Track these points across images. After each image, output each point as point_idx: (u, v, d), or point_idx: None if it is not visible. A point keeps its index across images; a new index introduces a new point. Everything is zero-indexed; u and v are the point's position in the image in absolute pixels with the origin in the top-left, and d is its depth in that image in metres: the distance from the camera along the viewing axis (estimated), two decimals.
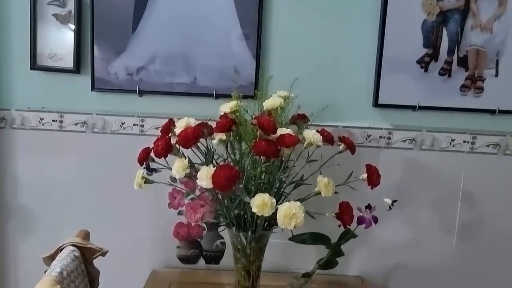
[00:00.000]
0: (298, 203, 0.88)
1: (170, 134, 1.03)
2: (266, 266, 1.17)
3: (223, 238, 1.47)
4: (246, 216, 1.02)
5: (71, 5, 1.36)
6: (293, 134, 0.92)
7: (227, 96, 1.28)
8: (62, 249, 0.97)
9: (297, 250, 1.37)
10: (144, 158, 1.07)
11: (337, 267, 1.31)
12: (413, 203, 1.42)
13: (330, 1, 1.35)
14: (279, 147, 0.90)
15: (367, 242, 1.43)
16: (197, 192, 1.21)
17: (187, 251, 1.48)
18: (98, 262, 1.13)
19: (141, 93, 1.39)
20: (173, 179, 1.28)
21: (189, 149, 0.98)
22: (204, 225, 1.45)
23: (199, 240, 1.47)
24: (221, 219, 1.11)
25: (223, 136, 1.08)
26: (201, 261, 1.48)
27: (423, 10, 1.33)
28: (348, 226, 0.98)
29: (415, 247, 1.44)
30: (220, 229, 1.17)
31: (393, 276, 1.46)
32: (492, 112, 1.37)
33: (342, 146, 1.09)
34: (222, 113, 1.04)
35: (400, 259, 1.45)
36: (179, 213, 1.43)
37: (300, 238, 1.07)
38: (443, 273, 1.45)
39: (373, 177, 1.01)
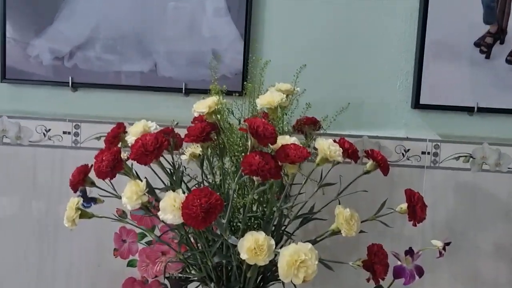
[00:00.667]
0: (310, 245, 0.87)
1: (119, 145, 1.01)
2: None
3: None
4: (230, 266, 1.01)
5: None
6: (300, 145, 0.91)
7: (203, 92, 1.29)
8: None
9: None
10: (79, 180, 1.06)
11: None
12: (471, 248, 1.42)
13: None
14: (280, 163, 0.89)
15: None
16: (157, 233, 1.20)
17: None
18: None
19: (76, 86, 1.39)
20: (122, 214, 1.26)
21: (147, 166, 0.97)
22: (167, 282, 1.43)
23: None
24: (193, 272, 1.09)
25: (197, 149, 1.08)
26: None
27: None
28: (381, 280, 0.97)
29: None
30: (191, 279, 1.15)
31: None
32: None
33: (369, 164, 1.09)
34: (196, 114, 1.03)
35: None
36: (130, 264, 1.41)
37: None
38: None
39: (417, 208, 1.00)
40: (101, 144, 1.35)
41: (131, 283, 1.42)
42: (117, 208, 1.24)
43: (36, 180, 1.41)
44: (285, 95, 1.06)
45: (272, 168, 0.87)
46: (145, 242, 1.39)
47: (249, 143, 0.91)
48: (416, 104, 1.39)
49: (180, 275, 1.34)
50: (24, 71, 1.38)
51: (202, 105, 1.01)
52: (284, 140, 0.94)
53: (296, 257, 0.85)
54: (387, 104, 1.41)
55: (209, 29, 1.38)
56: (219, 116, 1.02)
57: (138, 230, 1.37)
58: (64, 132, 1.41)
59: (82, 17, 1.37)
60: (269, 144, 0.92)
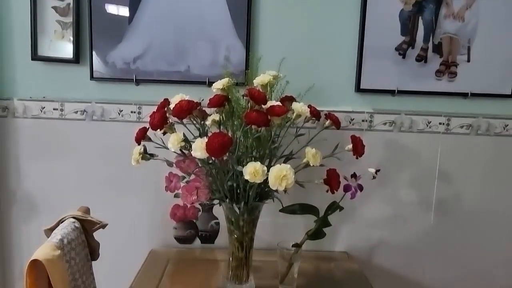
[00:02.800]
0: (289, 165, 0.86)
1: (166, 110, 1.00)
2: (258, 244, 1.15)
3: (217, 218, 1.44)
4: (239, 189, 1.00)
5: None
6: (282, 106, 0.90)
7: None
8: (63, 221, 0.94)
9: (287, 227, 1.35)
10: (141, 136, 1.05)
11: (324, 243, 1.30)
12: (393, 182, 1.41)
13: None
14: (269, 117, 0.88)
15: (352, 219, 1.42)
16: (192, 177, 1.19)
17: (184, 231, 1.45)
18: (100, 238, 1.10)
19: (138, 81, 1.37)
20: (170, 164, 1.25)
21: (183, 124, 0.95)
22: (199, 206, 1.42)
23: (194, 221, 1.44)
24: (216, 194, 1.08)
25: (216, 116, 1.06)
26: (197, 241, 1.45)
27: (401, 0, 1.33)
28: (335, 191, 0.96)
29: (396, 223, 1.43)
30: (214, 203, 1.14)
31: (376, 251, 1.45)
32: (465, 95, 1.38)
33: (328, 122, 1.07)
34: (214, 91, 1.02)
35: (382, 235, 1.44)
36: (176, 195, 1.39)
37: (290, 209, 1.05)
38: (422, 247, 1.44)
39: (358, 147, 0.99)
40: None
41: (177, 208, 1.40)
42: (166, 161, 1.22)
43: (114, 143, 1.39)
44: (272, 77, 1.04)
45: (264, 119, 0.86)
46: (185, 182, 1.37)
47: (249, 105, 0.90)
48: (358, 88, 1.37)
49: (207, 202, 1.34)
50: (105, 71, 1.36)
51: (218, 84, 0.99)
52: (271, 103, 0.92)
53: (280, 172, 0.84)
54: (339, 89, 1.39)
55: (223, 41, 1.35)
56: (229, 91, 1.00)
57: (180, 174, 1.35)
58: (132, 112, 1.39)
59: (141, 36, 1.35)
60: (262, 105, 0.90)
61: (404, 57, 1.35)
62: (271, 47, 1.36)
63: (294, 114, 0.95)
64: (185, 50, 1.35)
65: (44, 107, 1.39)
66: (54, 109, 1.39)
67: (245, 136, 0.96)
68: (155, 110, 0.98)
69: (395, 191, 1.42)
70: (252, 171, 0.85)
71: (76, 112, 1.39)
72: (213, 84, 1.01)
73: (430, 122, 1.40)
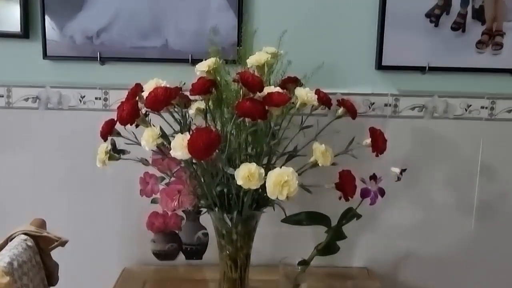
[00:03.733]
0: (291, 169, 0.86)
1: (137, 99, 1.00)
2: (256, 259, 1.16)
3: (205, 228, 1.45)
4: (230, 194, 1.00)
5: None
6: (283, 93, 0.90)
7: None
8: (13, 238, 0.94)
9: (291, 239, 1.35)
10: (107, 131, 1.05)
11: (339, 258, 1.31)
12: (424, 180, 1.41)
13: None
14: (266, 107, 0.88)
15: (373, 227, 1.43)
16: (173, 178, 1.19)
17: (164, 245, 1.46)
18: (58, 257, 1.11)
19: (103, 60, 1.36)
20: (144, 162, 1.25)
21: (160, 115, 0.95)
22: (182, 214, 1.43)
23: (177, 232, 1.45)
24: (202, 201, 1.09)
25: (201, 104, 1.06)
26: (181, 256, 1.46)
27: None
28: (350, 198, 0.97)
29: (427, 230, 1.44)
30: (201, 211, 1.15)
31: (404, 266, 1.46)
32: None
33: (341, 110, 1.07)
34: (198, 74, 1.01)
35: (410, 246, 1.45)
36: (153, 201, 1.41)
37: (295, 219, 1.06)
38: (460, 259, 1.45)
39: (379, 142, 1.00)
40: None
41: (155, 216, 1.42)
42: (141, 158, 1.23)
43: (75, 137, 1.39)
44: (270, 56, 1.03)
45: (259, 110, 0.86)
46: (164, 184, 1.38)
47: (241, 92, 0.90)
48: (379, 65, 1.36)
49: (192, 208, 1.35)
50: (61, 47, 1.35)
51: (203, 65, 0.99)
52: (269, 89, 0.92)
53: (280, 178, 0.84)
54: (355, 66, 1.38)
55: (209, 7, 1.34)
56: (217, 74, 1.00)
57: (158, 174, 1.36)
58: (96, 98, 1.39)
59: (106, 1, 1.34)
60: (258, 92, 0.90)
61: (436, 25, 1.34)
62: (269, 15, 1.35)
63: (298, 103, 0.95)
64: (162, 20, 1.34)
65: None
66: None
67: (237, 130, 0.95)
68: (123, 100, 0.97)
69: (426, 191, 1.42)
70: (246, 174, 0.86)
71: (26, 100, 1.39)
72: (197, 65, 1.01)
73: (470, 106, 1.40)
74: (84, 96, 1.39)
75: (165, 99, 0.89)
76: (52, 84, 1.39)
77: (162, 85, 0.97)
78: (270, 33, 1.19)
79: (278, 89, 0.92)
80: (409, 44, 1.35)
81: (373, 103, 1.40)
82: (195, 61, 1.33)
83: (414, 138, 1.41)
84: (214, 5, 1.34)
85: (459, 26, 1.35)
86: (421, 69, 1.37)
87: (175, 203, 1.39)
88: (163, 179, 1.39)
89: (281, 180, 0.83)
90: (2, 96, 1.39)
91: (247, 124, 0.90)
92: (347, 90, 1.38)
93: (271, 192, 0.84)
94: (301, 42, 1.32)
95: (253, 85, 0.87)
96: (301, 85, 1.18)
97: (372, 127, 1.03)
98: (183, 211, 1.42)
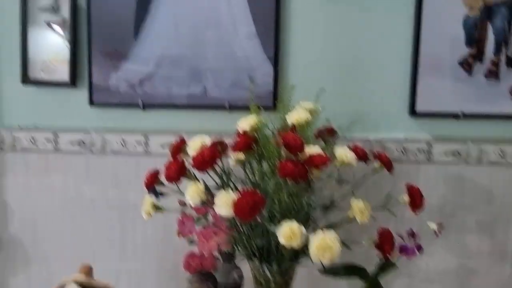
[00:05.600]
0: (333, 233, 0.88)
1: (181, 154, 1.04)
2: None
3: (240, 269, 1.47)
4: (270, 246, 1.03)
5: (65, 11, 1.40)
6: (323, 154, 0.93)
7: (242, 108, 1.33)
8: (63, 287, 0.99)
9: (327, 284, 1.36)
10: (152, 182, 1.09)
11: None
12: (459, 227, 1.41)
13: None
14: (307, 168, 0.91)
15: (408, 273, 1.42)
16: (211, 218, 1.22)
17: (200, 285, 1.48)
18: None
19: (145, 106, 1.42)
20: (182, 203, 1.29)
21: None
22: (219, 255, 1.45)
23: (213, 272, 1.48)
24: (240, 249, 1.12)
25: (241, 155, 1.10)
26: None
27: (464, 4, 1.34)
28: (389, 256, 0.98)
29: (462, 277, 1.43)
30: (238, 260, 1.18)
31: None
32: None
33: (377, 163, 1.09)
34: (240, 130, 1.05)
35: None
36: (190, 242, 1.44)
37: (333, 271, 1.07)
38: None
39: (416, 200, 1.01)
40: (166, 151, 1.40)
41: (192, 256, 1.44)
42: (178, 199, 1.27)
43: (117, 181, 1.45)
44: (309, 113, 1.07)
45: (301, 172, 0.89)
46: (202, 226, 1.41)
47: (282, 152, 0.93)
48: (412, 111, 1.38)
49: (229, 251, 1.37)
50: (106, 95, 1.42)
51: (245, 123, 1.03)
52: (310, 149, 0.95)
53: (323, 244, 0.86)
54: (389, 112, 1.40)
55: (246, 58, 1.39)
56: (258, 132, 1.03)
57: (195, 215, 1.39)
58: (137, 142, 1.45)
59: (149, 53, 1.41)
60: (299, 153, 0.93)
61: (470, 73, 1.36)
62: (304, 64, 1.40)
63: (338, 163, 0.98)
64: (201, 69, 1.40)
65: (35, 138, 1.46)
66: (46, 139, 1.46)
67: (278, 189, 0.98)
68: (170, 160, 1.02)
69: (461, 238, 1.42)
70: (288, 233, 0.88)
71: (72, 144, 1.46)
72: (238, 123, 1.05)
73: (505, 152, 1.40)
74: (125, 141, 1.45)
75: (211, 160, 0.93)
76: (96, 129, 1.45)
77: (206, 142, 1.01)
78: (305, 84, 1.23)
79: (317, 149, 0.95)
80: (442, 91, 1.37)
81: (407, 149, 1.41)
82: (232, 108, 1.39)
83: (448, 185, 1.41)
84: (252, 55, 1.39)
85: (492, 73, 1.36)
86: (455, 115, 1.38)
87: (212, 245, 1.42)
88: (200, 220, 1.42)
89: (324, 246, 0.86)
90: (50, 141, 1.46)
91: (289, 185, 0.93)
92: (380, 136, 1.40)
93: (314, 256, 0.87)
94: (334, 88, 1.36)
95: (295, 147, 0.90)
96: (336, 135, 1.22)
97: (409, 183, 1.04)
98: (219, 252, 1.44)
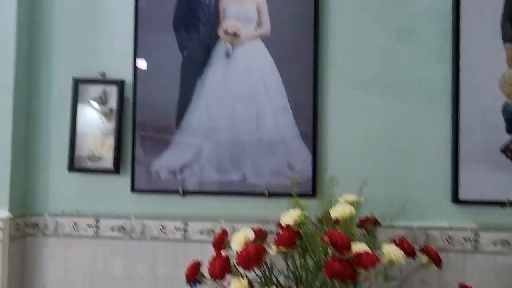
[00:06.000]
0: None
1: (224, 247, 1.03)
2: None
3: None
4: None
5: (112, 102, 1.48)
6: (371, 253, 0.90)
7: (281, 195, 1.34)
8: None
9: None
10: (193, 274, 1.08)
11: None
12: None
13: (393, 85, 1.40)
14: (355, 268, 0.89)
15: None
16: None
17: None
18: None
19: (185, 193, 1.44)
20: None
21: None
22: None
23: None
24: None
25: (283, 248, 1.09)
26: None
27: (503, 92, 1.35)
28: None
29: None
30: None
31: None
32: None
33: (424, 259, 1.06)
34: (283, 224, 1.05)
35: None
36: None
37: None
38: None
39: None
40: (205, 237, 1.40)
41: None
42: None
43: (156, 267, 1.44)
44: (352, 205, 1.06)
45: (349, 273, 0.86)
46: None
47: (329, 250, 0.91)
48: (456, 199, 1.35)
49: None
50: (147, 182, 1.45)
51: (288, 218, 1.02)
52: (356, 247, 0.93)
53: None
54: (431, 200, 1.38)
55: (285, 145, 1.42)
56: (301, 225, 1.02)
57: None
58: (176, 228, 1.45)
59: (190, 141, 1.45)
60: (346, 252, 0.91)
61: None
62: (343, 152, 1.41)
63: (386, 261, 0.95)
64: (241, 156, 1.43)
65: (77, 224, 1.48)
66: (88, 225, 1.48)
67: (324, 286, 0.96)
68: (214, 256, 1.01)
69: None
70: None
71: (113, 229, 1.48)
72: (282, 217, 1.05)
73: None
74: (165, 227, 1.46)
75: (256, 258, 0.92)
76: (136, 215, 1.47)
77: (249, 236, 1.01)
78: (345, 172, 1.23)
79: (364, 246, 0.93)
80: (485, 178, 1.34)
81: (452, 237, 1.36)
82: (271, 195, 1.40)
83: (497, 276, 1.34)
84: (290, 143, 1.41)
85: None
86: (501, 204, 1.34)
87: None
88: None
89: None
90: (91, 226, 1.48)
91: (335, 283, 0.90)
92: (423, 224, 1.36)
93: None
94: (374, 176, 1.36)
95: (342, 246, 0.89)
96: (379, 225, 1.19)
97: (462, 283, 0.99)
98: None
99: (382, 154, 1.39)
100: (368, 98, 1.40)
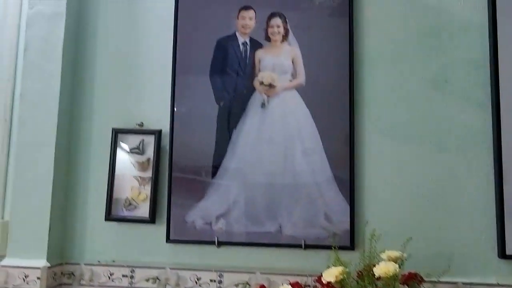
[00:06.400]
0: None
1: None
2: None
3: None
4: None
5: (150, 152, 1.50)
6: None
7: (318, 247, 1.30)
8: None
9: None
10: None
11: None
12: None
13: (431, 134, 1.38)
14: None
15: None
16: None
17: None
18: None
19: (220, 244, 1.43)
20: None
21: None
22: None
23: None
24: None
25: None
26: None
27: None
28: None
29: None
30: None
31: None
32: None
33: None
34: (323, 280, 1.02)
35: None
36: None
37: None
38: None
39: None
40: None
41: None
42: None
43: None
44: (396, 262, 1.02)
45: None
46: None
47: None
48: (503, 254, 1.29)
49: None
50: (183, 232, 1.45)
51: (329, 275, 0.99)
52: None
53: None
54: (476, 255, 1.33)
55: (321, 196, 1.40)
56: (343, 282, 0.99)
57: None
58: (211, 280, 1.43)
59: (225, 191, 1.45)
60: None
61: None
62: (381, 205, 1.38)
63: None
64: (277, 207, 1.42)
65: (112, 274, 1.48)
66: (123, 275, 1.48)
67: None
68: None
69: None
70: None
71: (147, 280, 1.46)
72: (323, 274, 1.02)
73: None
74: (200, 278, 1.44)
75: None
76: (171, 265, 1.46)
77: None
78: (384, 225, 1.19)
79: None
80: None
81: None
82: (307, 247, 1.37)
83: None
84: (327, 193, 1.39)
85: None
86: None
87: None
88: None
89: None
90: (126, 276, 1.48)
91: None
92: (469, 280, 1.31)
93: None
94: (417, 229, 1.32)
95: None
96: (423, 281, 1.15)
97: None
98: None
99: (423, 205, 1.36)
100: (406, 147, 1.38)
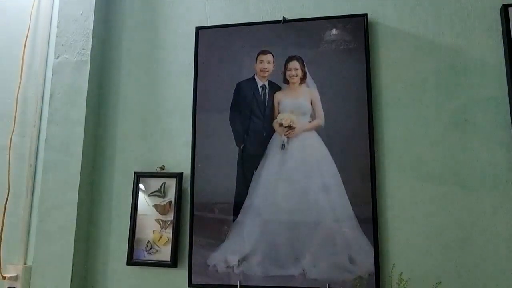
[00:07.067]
0: None
1: None
2: None
3: None
4: None
5: (171, 195, 1.50)
6: None
7: None
8: None
9: None
10: None
11: None
12: None
13: (453, 174, 1.36)
14: None
15: None
16: None
17: None
18: None
19: (243, 287, 1.41)
20: None
21: None
22: None
23: None
24: None
25: None
26: None
27: None
28: None
29: None
30: None
31: None
32: None
33: None
34: None
35: None
36: None
37: None
38: None
39: None
40: None
41: None
42: None
43: None
44: None
45: None
46: None
47: None
48: None
49: None
50: (205, 275, 1.43)
51: None
52: None
53: None
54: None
55: (345, 238, 1.37)
56: None
57: None
58: None
59: (247, 234, 1.44)
60: None
61: None
62: (405, 246, 1.35)
63: None
64: (300, 250, 1.40)
65: None
66: None
67: None
68: None
69: None
70: None
71: None
72: None
73: None
74: None
75: None
76: None
77: None
78: (409, 266, 1.16)
79: None
80: None
81: None
82: None
83: None
84: (350, 235, 1.37)
85: None
86: None
87: None
88: None
89: None
90: None
91: None
92: None
93: None
94: (444, 272, 1.29)
95: None
96: None
97: None
98: None
99: (450, 247, 1.32)
100: (428, 186, 1.37)
